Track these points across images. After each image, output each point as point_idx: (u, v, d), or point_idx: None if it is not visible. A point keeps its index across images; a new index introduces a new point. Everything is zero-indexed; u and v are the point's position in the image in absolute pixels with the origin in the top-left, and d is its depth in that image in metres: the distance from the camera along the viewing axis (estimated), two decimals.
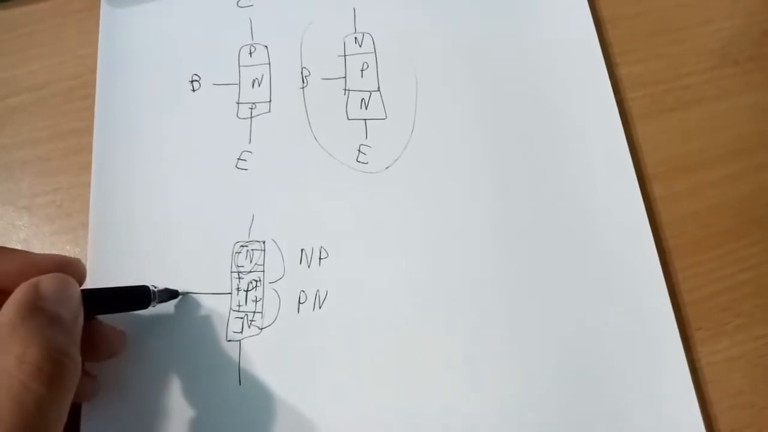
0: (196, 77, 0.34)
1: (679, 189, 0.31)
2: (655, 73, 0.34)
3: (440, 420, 0.27)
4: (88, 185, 0.32)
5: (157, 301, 0.28)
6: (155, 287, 0.28)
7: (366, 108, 0.33)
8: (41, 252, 0.29)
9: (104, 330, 0.27)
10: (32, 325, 0.21)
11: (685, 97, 0.33)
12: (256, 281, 0.30)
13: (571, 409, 0.27)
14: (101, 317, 0.27)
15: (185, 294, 0.29)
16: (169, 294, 0.29)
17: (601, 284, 0.29)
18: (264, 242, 0.30)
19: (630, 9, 0.35)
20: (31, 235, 0.32)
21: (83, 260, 0.30)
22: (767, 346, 0.29)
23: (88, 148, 0.32)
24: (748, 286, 0.30)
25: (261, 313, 0.29)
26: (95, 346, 0.26)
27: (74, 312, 0.23)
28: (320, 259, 0.30)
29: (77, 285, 0.24)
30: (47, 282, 0.22)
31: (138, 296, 0.27)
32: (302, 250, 0.30)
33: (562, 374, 0.28)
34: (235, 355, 0.28)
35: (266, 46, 0.34)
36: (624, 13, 0.35)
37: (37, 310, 0.21)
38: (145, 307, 0.27)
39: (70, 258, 0.25)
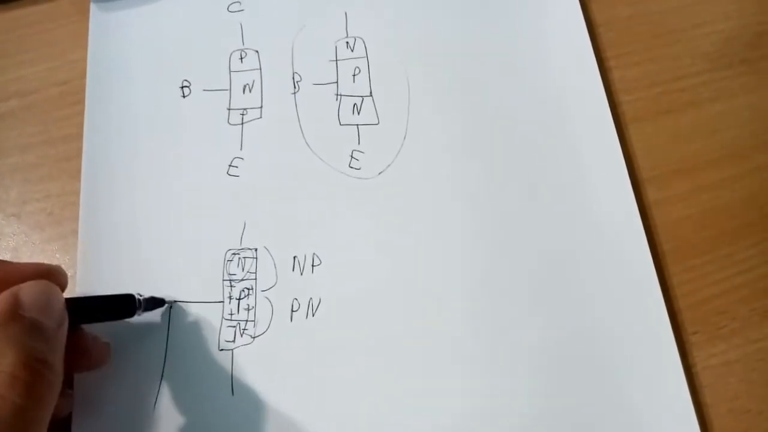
0: (186, 83, 0.33)
1: (674, 192, 0.31)
2: (649, 76, 0.34)
3: (435, 424, 0.27)
4: (79, 192, 0.31)
5: (142, 309, 0.27)
6: (141, 295, 0.27)
7: (358, 113, 0.32)
8: (31, 260, 0.29)
9: (88, 340, 0.26)
10: (9, 333, 0.20)
11: (679, 100, 0.33)
12: (249, 289, 0.29)
13: (567, 414, 0.27)
14: (86, 327, 0.26)
15: (172, 303, 0.29)
16: (155, 302, 0.28)
17: (596, 289, 0.29)
18: (256, 249, 0.30)
19: (623, 12, 0.35)
20: (20, 243, 0.32)
21: (73, 268, 0.30)
22: (763, 350, 0.29)
23: (78, 155, 0.32)
24: (743, 289, 0.30)
25: (253, 321, 0.29)
26: (79, 356, 0.25)
27: (57, 320, 0.22)
28: (313, 266, 0.30)
29: (60, 292, 0.23)
30: (28, 290, 0.22)
31: (123, 305, 0.27)
32: (295, 257, 0.30)
33: (558, 380, 0.27)
34: (227, 365, 0.28)
35: (257, 51, 0.34)
36: (617, 15, 0.35)
37: (15, 317, 0.21)
38: (131, 315, 0.27)
39: (51, 265, 0.24)
